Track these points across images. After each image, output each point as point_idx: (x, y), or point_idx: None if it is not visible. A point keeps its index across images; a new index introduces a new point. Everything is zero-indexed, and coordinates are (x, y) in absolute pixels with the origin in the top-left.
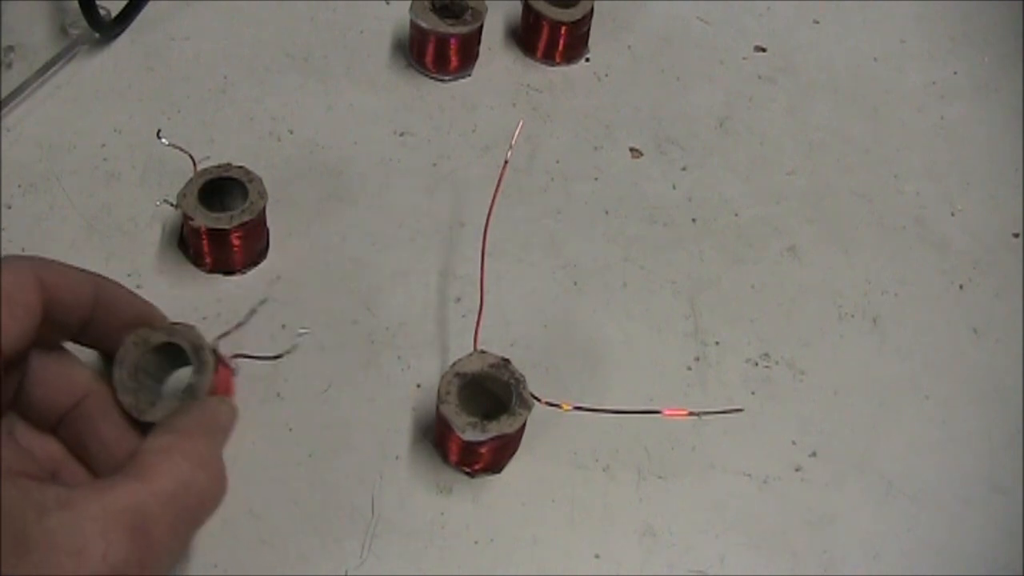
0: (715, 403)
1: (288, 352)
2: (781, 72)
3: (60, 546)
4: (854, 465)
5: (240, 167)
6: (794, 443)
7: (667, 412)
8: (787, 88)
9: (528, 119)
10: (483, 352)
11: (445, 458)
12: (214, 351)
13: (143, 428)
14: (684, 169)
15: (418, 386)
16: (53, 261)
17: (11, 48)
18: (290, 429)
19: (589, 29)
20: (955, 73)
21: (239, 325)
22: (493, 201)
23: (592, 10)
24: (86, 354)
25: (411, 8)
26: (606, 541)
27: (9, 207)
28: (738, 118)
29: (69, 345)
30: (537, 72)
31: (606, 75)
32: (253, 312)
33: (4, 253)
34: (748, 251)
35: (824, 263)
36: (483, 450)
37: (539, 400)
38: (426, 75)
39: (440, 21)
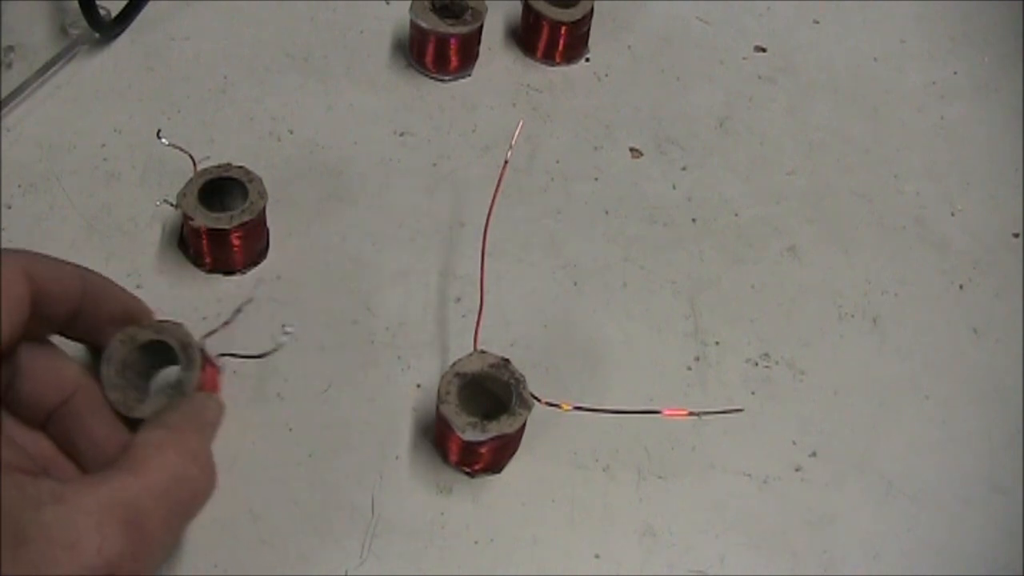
0: (715, 403)
1: (273, 351)
2: (781, 72)
3: (56, 540)
4: (854, 465)
5: (240, 167)
6: (794, 443)
7: (667, 412)
8: (787, 88)
9: (528, 119)
10: (483, 352)
11: (445, 458)
12: (201, 349)
13: (131, 425)
14: (684, 169)
15: (418, 386)
16: (40, 254)
17: (11, 48)
18: (290, 429)
19: (589, 29)
20: (955, 73)
21: (225, 324)
22: (493, 201)
23: (592, 10)
24: (72, 349)
25: (411, 8)
26: (606, 541)
27: (9, 207)
28: (738, 118)
29: (56, 340)
30: (537, 72)
31: (606, 75)
32: (239, 311)
33: None
34: (748, 251)
35: (824, 263)
36: (483, 450)
37: (539, 400)
38: (426, 75)
39: (440, 21)
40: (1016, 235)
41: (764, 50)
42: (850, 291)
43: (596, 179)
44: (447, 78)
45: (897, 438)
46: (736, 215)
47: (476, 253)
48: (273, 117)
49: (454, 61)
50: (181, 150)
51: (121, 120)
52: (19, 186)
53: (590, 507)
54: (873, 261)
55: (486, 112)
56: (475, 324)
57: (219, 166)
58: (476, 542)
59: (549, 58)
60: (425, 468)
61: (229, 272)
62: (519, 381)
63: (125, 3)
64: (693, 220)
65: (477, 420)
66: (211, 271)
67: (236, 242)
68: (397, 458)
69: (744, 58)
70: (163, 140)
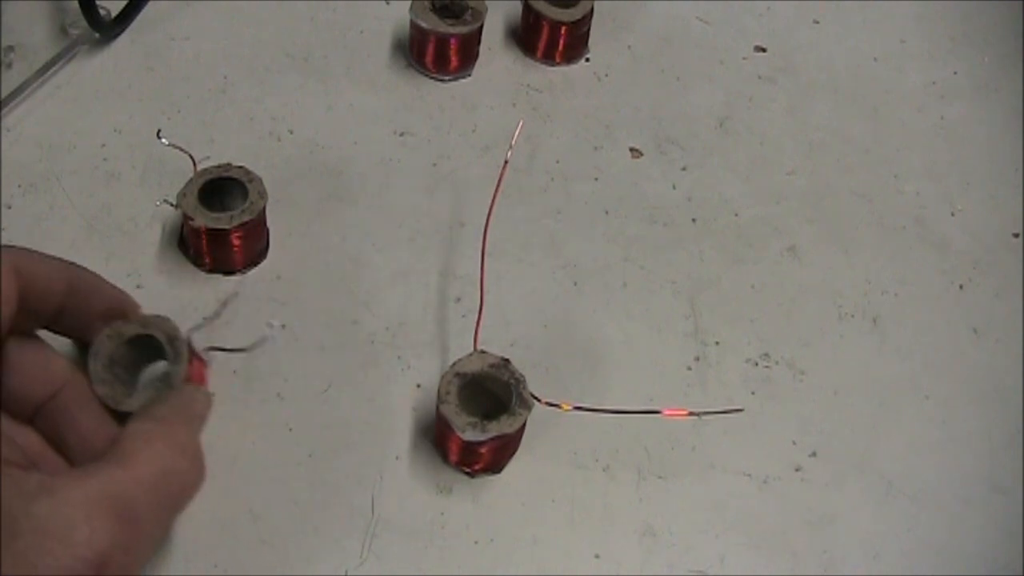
0: (715, 403)
1: (257, 345)
2: (781, 72)
3: (46, 532)
4: (854, 465)
5: (240, 167)
6: (794, 443)
7: (667, 412)
8: (787, 88)
9: (528, 119)
10: (483, 352)
11: (445, 458)
12: (188, 343)
13: (120, 418)
14: (684, 169)
15: (418, 386)
16: (27, 249)
17: (11, 48)
18: (290, 429)
19: (589, 29)
20: (955, 73)
21: (206, 319)
22: (493, 201)
23: (592, 10)
24: (60, 344)
25: (411, 8)
26: (606, 541)
27: (9, 207)
28: (738, 118)
29: (44, 335)
30: (537, 72)
31: (606, 75)
32: (224, 306)
33: None
34: (748, 251)
35: (824, 263)
36: (483, 450)
37: (539, 400)
38: (426, 75)
39: (440, 21)
40: (1016, 235)
41: (764, 50)
42: (850, 291)
43: (596, 179)
44: (447, 78)
45: (897, 438)
46: (736, 215)
47: (476, 253)
48: (273, 117)
49: (454, 61)
50: (181, 150)
51: (121, 120)
52: (19, 186)
53: (590, 507)
54: (873, 261)
55: (486, 112)
56: (475, 324)
57: (219, 166)
58: (476, 542)
59: (549, 58)
60: (425, 468)
61: (229, 272)
62: (519, 381)
63: (125, 3)
64: (693, 220)
65: (477, 420)
66: (211, 271)
67: (236, 242)
68: (397, 458)
69: (744, 58)
70: (163, 140)
